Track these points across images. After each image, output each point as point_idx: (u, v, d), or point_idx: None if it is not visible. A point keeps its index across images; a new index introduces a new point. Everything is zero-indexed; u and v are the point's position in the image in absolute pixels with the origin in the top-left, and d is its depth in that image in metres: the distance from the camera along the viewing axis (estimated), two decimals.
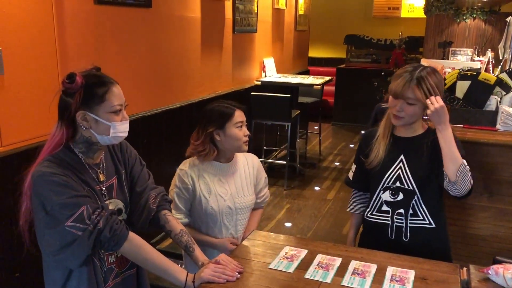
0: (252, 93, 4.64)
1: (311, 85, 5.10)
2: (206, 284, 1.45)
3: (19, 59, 2.22)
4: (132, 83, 3.10)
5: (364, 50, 7.88)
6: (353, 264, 1.59)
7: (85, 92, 1.43)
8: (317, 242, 1.77)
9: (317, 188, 4.91)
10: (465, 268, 1.56)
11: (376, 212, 1.90)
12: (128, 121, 1.52)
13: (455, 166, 1.69)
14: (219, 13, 4.24)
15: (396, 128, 1.88)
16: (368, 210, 1.94)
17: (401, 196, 1.83)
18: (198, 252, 1.62)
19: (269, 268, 1.55)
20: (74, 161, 1.49)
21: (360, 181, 2.03)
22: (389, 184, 1.84)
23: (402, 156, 1.85)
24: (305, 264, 1.58)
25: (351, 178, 2.08)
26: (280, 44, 5.97)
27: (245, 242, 1.78)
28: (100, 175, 1.55)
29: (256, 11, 4.96)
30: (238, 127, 1.91)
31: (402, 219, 1.83)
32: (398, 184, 1.83)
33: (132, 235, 1.48)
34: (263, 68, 5.34)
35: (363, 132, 3.35)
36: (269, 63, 5.46)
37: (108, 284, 1.55)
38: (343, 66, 7.82)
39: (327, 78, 5.52)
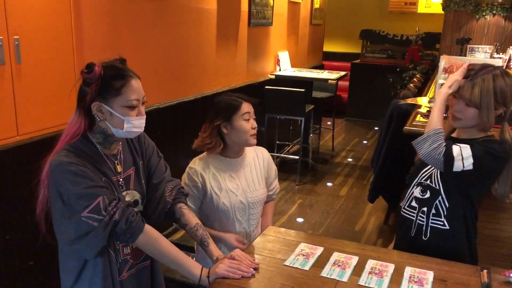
0: (266, 87, 4.60)
1: (326, 80, 5.05)
2: (220, 279, 1.43)
3: (36, 48, 2.22)
4: (147, 75, 3.08)
5: (380, 45, 7.80)
6: (370, 263, 1.56)
7: (102, 83, 1.42)
8: (333, 239, 1.75)
9: (329, 184, 4.88)
10: (485, 271, 1.53)
11: (407, 206, 1.88)
12: (144, 117, 1.49)
13: (427, 128, 1.69)
14: (235, 6, 4.21)
15: (457, 131, 1.81)
16: (403, 202, 1.92)
17: (428, 194, 1.79)
18: (213, 247, 1.60)
19: (284, 265, 1.53)
20: (92, 152, 1.47)
21: None
22: (422, 181, 1.82)
23: None
24: (321, 262, 1.55)
25: None
26: (295, 37, 5.91)
27: (259, 238, 1.75)
28: (118, 166, 1.54)
29: (272, 4, 4.91)
30: (245, 119, 1.89)
31: (423, 218, 1.80)
32: (428, 182, 1.79)
33: (148, 228, 1.47)
34: (277, 62, 5.30)
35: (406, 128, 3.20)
36: (284, 57, 5.41)
37: (123, 275, 1.54)
38: (358, 61, 7.75)
39: (342, 73, 5.46)
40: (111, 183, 1.49)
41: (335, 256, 1.60)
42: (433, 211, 1.77)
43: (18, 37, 2.12)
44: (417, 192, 1.83)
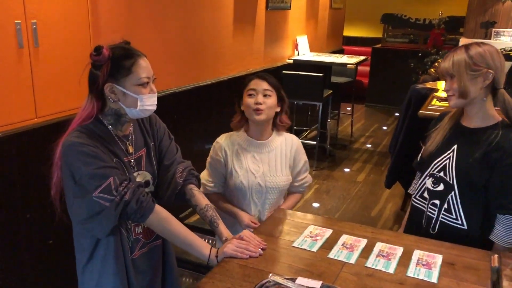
0: (283, 71, 4.58)
1: (345, 65, 5.00)
2: (228, 259, 1.45)
3: (53, 32, 2.25)
4: (163, 59, 3.11)
5: (402, 29, 7.65)
6: (379, 246, 1.56)
7: (112, 64, 1.44)
8: (343, 222, 1.75)
9: (347, 170, 4.86)
10: (496, 255, 1.51)
11: (418, 196, 1.83)
12: (156, 94, 1.52)
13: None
14: None
15: (463, 117, 1.75)
16: (414, 192, 1.89)
17: (441, 187, 1.73)
18: (222, 227, 1.62)
19: (292, 246, 1.54)
20: (104, 133, 1.50)
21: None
22: (434, 172, 1.76)
23: (455, 146, 1.72)
24: (329, 244, 1.56)
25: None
26: (314, 22, 5.85)
27: (269, 220, 1.77)
28: (129, 147, 1.57)
29: None
30: (249, 95, 1.91)
31: (434, 211, 1.75)
32: (442, 174, 1.73)
33: (158, 208, 1.49)
34: (295, 46, 5.26)
35: (421, 112, 3.15)
36: (302, 41, 5.37)
37: (134, 254, 1.58)
38: (379, 46, 7.63)
39: (362, 57, 5.39)
40: (123, 163, 1.52)
41: (344, 238, 1.60)
42: (445, 206, 1.72)
43: (35, 21, 2.16)
44: (428, 183, 1.78)
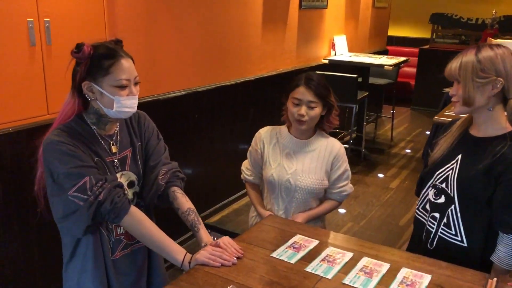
0: (316, 72, 4.46)
1: (382, 66, 4.81)
2: (200, 266, 1.40)
3: (67, 30, 2.29)
4: (185, 58, 3.10)
5: (452, 30, 7.28)
6: (364, 261, 1.45)
7: (91, 62, 1.43)
8: (333, 233, 1.66)
9: (380, 175, 4.67)
10: (495, 279, 1.36)
11: (421, 208, 1.72)
12: (135, 97, 1.48)
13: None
14: None
15: (472, 125, 1.62)
16: (417, 203, 1.77)
17: (441, 200, 1.60)
18: (203, 233, 1.58)
19: (271, 256, 1.47)
20: (86, 131, 1.50)
21: None
22: (436, 183, 1.63)
23: (459, 156, 1.59)
24: (310, 256, 1.47)
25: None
26: (354, 21, 5.68)
27: (255, 226, 1.70)
28: (113, 146, 1.55)
29: None
30: (294, 104, 1.88)
31: (434, 225, 1.63)
32: (443, 185, 1.60)
33: (133, 210, 1.47)
34: (332, 46, 5.12)
35: (436, 118, 3.06)
36: (340, 41, 5.22)
37: (115, 254, 1.56)
38: (426, 47, 7.30)
39: (402, 58, 5.16)
40: (104, 163, 1.51)
41: (328, 251, 1.51)
42: (445, 220, 1.59)
43: (48, 19, 2.20)
44: (430, 194, 1.66)
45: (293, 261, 1.45)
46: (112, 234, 1.56)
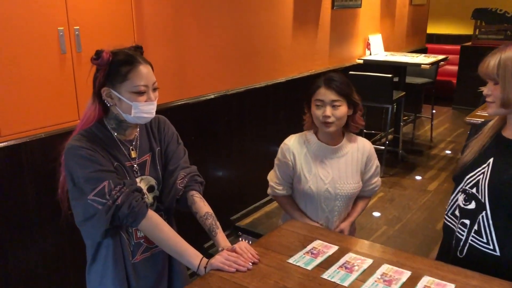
0: (350, 72, 4.39)
1: (419, 65, 4.66)
2: (215, 271, 1.39)
3: (96, 38, 2.35)
4: (213, 61, 3.12)
5: (496, 25, 6.97)
6: (384, 268, 1.40)
7: (110, 69, 1.46)
8: (353, 238, 1.61)
9: (418, 178, 4.53)
10: None
11: (450, 214, 1.63)
12: (153, 103, 1.50)
13: None
14: None
15: (506, 126, 1.52)
16: (447, 209, 1.67)
17: (472, 205, 1.51)
18: (220, 237, 1.57)
19: (287, 262, 1.45)
20: (106, 137, 1.52)
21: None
22: (466, 188, 1.54)
23: (491, 160, 1.50)
24: (328, 263, 1.43)
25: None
26: (390, 20, 5.54)
27: (274, 231, 1.68)
28: (132, 151, 1.57)
29: None
30: (317, 106, 1.82)
31: (464, 232, 1.53)
32: (474, 190, 1.51)
33: (151, 214, 1.48)
34: (367, 45, 5.02)
35: (467, 119, 2.96)
36: (376, 40, 5.11)
37: (136, 258, 1.58)
38: (469, 43, 7.03)
39: (440, 57, 5.00)
40: (124, 168, 1.53)
41: (347, 257, 1.47)
42: (475, 227, 1.50)
43: (78, 27, 2.27)
44: (460, 200, 1.57)
45: (309, 267, 1.42)
46: (132, 238, 1.58)
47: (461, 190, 1.58)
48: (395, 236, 3.41)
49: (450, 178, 4.38)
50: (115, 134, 1.55)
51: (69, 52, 2.25)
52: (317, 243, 1.56)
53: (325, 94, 1.80)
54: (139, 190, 1.52)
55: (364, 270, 1.39)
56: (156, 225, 1.48)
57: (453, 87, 7.28)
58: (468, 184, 1.55)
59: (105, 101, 1.49)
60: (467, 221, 1.53)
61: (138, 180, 1.57)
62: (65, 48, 2.23)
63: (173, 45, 2.82)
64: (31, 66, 2.11)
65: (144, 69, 1.47)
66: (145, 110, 1.48)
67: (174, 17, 2.79)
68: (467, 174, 1.56)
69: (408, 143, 5.45)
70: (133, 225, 1.47)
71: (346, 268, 1.41)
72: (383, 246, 1.56)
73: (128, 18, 2.50)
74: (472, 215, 1.52)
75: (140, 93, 1.46)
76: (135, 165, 1.57)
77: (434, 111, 5.94)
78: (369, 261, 1.44)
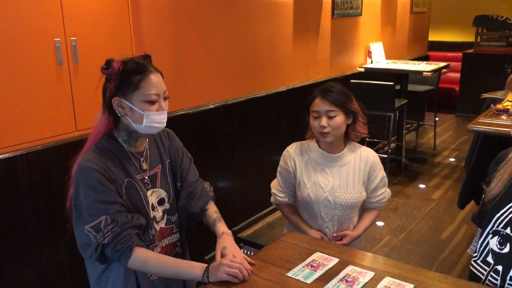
0: (351, 80, 4.36)
1: (420, 72, 4.63)
2: (213, 286, 1.35)
3: (93, 49, 2.33)
4: (213, 71, 3.09)
5: (498, 32, 6.95)
6: (385, 281, 1.36)
7: (121, 78, 1.44)
8: (354, 250, 1.57)
9: (422, 186, 4.48)
10: None
11: (480, 261, 1.40)
12: (165, 112, 1.48)
13: None
14: None
15: None
16: (474, 255, 1.45)
17: (507, 249, 1.31)
18: (221, 224, 1.57)
19: (286, 276, 1.40)
20: (117, 150, 1.49)
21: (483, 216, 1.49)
22: (499, 228, 1.34)
23: None
24: (328, 276, 1.39)
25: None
26: (391, 28, 5.53)
27: (273, 243, 1.64)
28: (143, 163, 1.54)
29: None
30: (314, 117, 1.82)
31: (496, 280, 1.33)
32: (508, 231, 1.32)
33: (137, 253, 1.40)
34: (368, 53, 5.00)
35: (470, 126, 2.89)
36: (377, 48, 5.09)
37: (152, 275, 1.53)
38: (470, 51, 7.00)
39: (442, 64, 4.97)
40: (135, 182, 1.49)
41: (348, 270, 1.42)
42: (511, 273, 1.30)
43: (75, 38, 2.25)
44: (493, 243, 1.35)
45: (309, 281, 1.37)
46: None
47: (491, 231, 1.38)
48: (399, 246, 3.35)
49: (455, 187, 4.36)
50: (126, 146, 1.52)
51: (66, 63, 2.24)
52: (317, 255, 1.52)
53: (319, 104, 1.80)
54: (137, 226, 1.44)
55: (365, 284, 1.35)
56: (145, 261, 1.41)
57: (455, 94, 7.25)
58: (500, 224, 1.35)
59: (116, 111, 1.46)
60: (500, 267, 1.33)
61: (149, 193, 1.53)
62: (61, 59, 2.21)
63: (172, 54, 2.80)
64: (28, 77, 2.09)
65: (155, 77, 1.45)
66: (157, 119, 1.46)
67: (173, 27, 2.77)
68: (496, 213, 1.37)
69: (411, 151, 5.41)
70: (122, 263, 1.41)
71: (346, 281, 1.36)
72: (385, 258, 1.52)
73: (125, 28, 2.49)
74: (508, 260, 1.31)
75: (152, 102, 1.44)
76: (146, 178, 1.54)
77: (437, 118, 5.89)
78: (371, 274, 1.40)
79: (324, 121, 1.78)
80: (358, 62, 4.89)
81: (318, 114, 1.80)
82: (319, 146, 1.89)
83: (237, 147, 3.36)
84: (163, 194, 1.58)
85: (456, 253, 3.26)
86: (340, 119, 1.79)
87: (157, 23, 2.67)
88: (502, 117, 2.41)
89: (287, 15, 3.70)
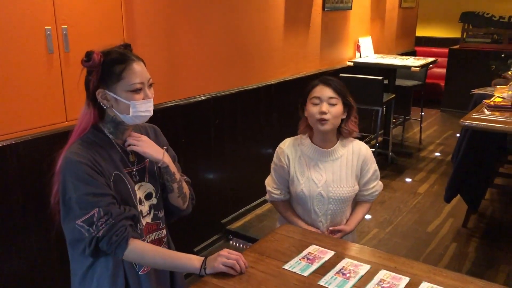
0: (340, 74, 4.38)
1: (409, 67, 4.67)
2: (208, 278, 1.35)
3: (84, 37, 2.29)
4: (205, 62, 3.07)
5: (483, 29, 7.04)
6: (381, 274, 1.38)
7: (103, 70, 1.40)
8: (349, 243, 1.58)
9: (408, 180, 4.53)
10: None
11: None
12: (151, 100, 1.45)
13: None
14: None
15: None
16: None
17: None
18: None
19: (283, 268, 1.41)
20: (104, 142, 1.46)
21: None
22: None
23: None
24: (325, 269, 1.40)
25: None
26: (380, 22, 5.55)
27: (268, 236, 1.64)
28: (131, 155, 1.52)
29: None
30: (314, 103, 1.81)
31: None
32: None
33: (133, 245, 1.38)
34: (357, 48, 5.02)
35: (462, 121, 2.90)
36: (366, 42, 5.11)
37: (143, 269, 1.51)
38: (456, 47, 7.08)
39: (429, 59, 5.01)
40: (123, 175, 1.46)
41: (344, 262, 1.44)
42: None
43: (66, 26, 2.21)
44: None
45: (306, 273, 1.38)
46: None
47: None
48: (386, 239, 3.40)
49: (440, 181, 4.41)
50: (112, 138, 1.48)
51: (57, 52, 2.19)
52: (312, 248, 1.53)
53: (322, 91, 1.81)
54: (130, 217, 1.43)
55: (362, 277, 1.37)
56: (141, 253, 1.39)
57: (441, 90, 7.33)
58: None
59: (101, 104, 1.43)
60: None
61: (137, 186, 1.51)
62: (52, 47, 2.17)
63: (164, 45, 2.78)
64: (17, 66, 2.05)
65: (137, 66, 1.43)
66: (143, 108, 1.43)
67: (165, 17, 2.74)
68: None
69: (398, 145, 5.46)
70: (117, 256, 1.39)
71: (343, 274, 1.38)
72: (380, 251, 1.54)
73: (117, 17, 2.45)
74: None
75: (137, 90, 1.41)
76: (134, 170, 1.51)
77: (423, 113, 5.96)
78: (366, 267, 1.41)
79: (325, 106, 1.78)
80: (347, 56, 4.91)
81: (319, 100, 1.79)
82: (312, 141, 1.90)
83: (227, 139, 3.35)
84: (150, 188, 1.55)
85: (442, 246, 3.31)
86: (339, 108, 1.81)
87: (149, 12, 2.64)
88: (495, 113, 2.45)
89: (278, 7, 3.69)
